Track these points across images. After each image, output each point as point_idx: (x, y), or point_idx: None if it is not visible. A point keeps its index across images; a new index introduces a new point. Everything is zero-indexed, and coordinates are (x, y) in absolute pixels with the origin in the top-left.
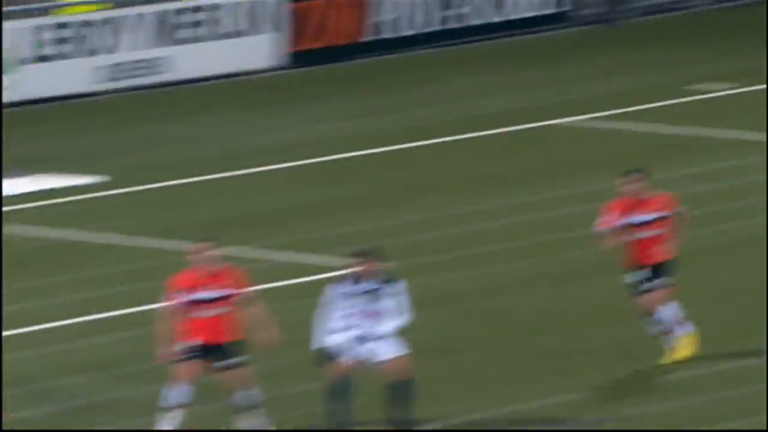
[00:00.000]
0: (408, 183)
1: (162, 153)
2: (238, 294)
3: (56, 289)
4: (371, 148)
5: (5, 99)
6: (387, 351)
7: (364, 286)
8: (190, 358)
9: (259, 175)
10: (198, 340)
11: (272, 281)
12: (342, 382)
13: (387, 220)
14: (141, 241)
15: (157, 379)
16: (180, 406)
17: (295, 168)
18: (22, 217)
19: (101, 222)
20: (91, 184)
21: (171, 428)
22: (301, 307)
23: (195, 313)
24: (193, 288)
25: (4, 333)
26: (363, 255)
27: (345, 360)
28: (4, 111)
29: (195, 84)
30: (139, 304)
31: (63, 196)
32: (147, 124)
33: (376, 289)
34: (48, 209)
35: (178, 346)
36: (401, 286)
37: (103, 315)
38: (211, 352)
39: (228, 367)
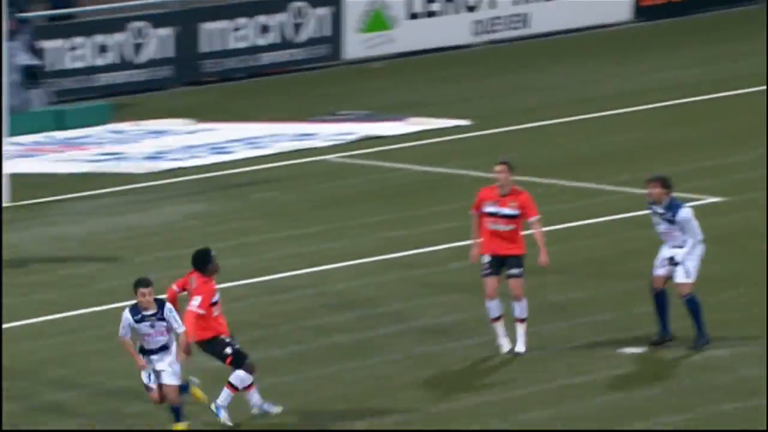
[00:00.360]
0: (746, 125)
1: (521, 99)
2: (525, 214)
3: (427, 219)
4: (714, 92)
5: (393, 51)
6: (678, 274)
7: (656, 208)
8: (489, 274)
9: (610, 117)
10: (492, 252)
11: (624, 212)
12: (658, 295)
13: (730, 157)
14: None
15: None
16: (495, 319)
17: (642, 111)
18: (398, 155)
19: (465, 160)
20: (457, 127)
21: (501, 338)
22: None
23: (490, 226)
24: (490, 203)
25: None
26: (654, 181)
27: (658, 274)
28: (392, 61)
29: (552, 37)
30: None
31: (433, 137)
32: (509, 73)
33: (662, 214)
34: (419, 149)
35: (483, 258)
36: (686, 212)
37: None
38: (501, 263)
39: (511, 276)
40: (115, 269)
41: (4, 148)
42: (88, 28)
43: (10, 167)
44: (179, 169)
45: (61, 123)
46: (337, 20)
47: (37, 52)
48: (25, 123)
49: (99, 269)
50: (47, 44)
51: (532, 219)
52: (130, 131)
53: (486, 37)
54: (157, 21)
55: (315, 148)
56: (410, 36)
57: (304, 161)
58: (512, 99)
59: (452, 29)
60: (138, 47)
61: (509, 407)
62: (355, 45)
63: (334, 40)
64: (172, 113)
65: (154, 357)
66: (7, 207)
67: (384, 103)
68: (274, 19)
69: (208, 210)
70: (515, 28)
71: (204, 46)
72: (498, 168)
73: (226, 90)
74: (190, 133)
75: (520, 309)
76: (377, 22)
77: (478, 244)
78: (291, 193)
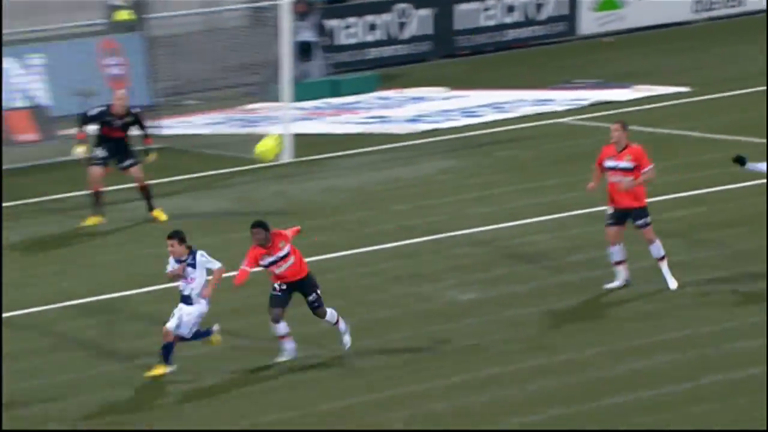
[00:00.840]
0: None
1: (735, 68)
2: (639, 166)
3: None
4: None
5: (622, 27)
6: None
7: None
8: (611, 224)
9: None
10: (616, 205)
11: None
12: None
13: None
14: (715, 137)
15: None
16: (617, 263)
17: None
18: (625, 118)
19: (684, 122)
20: (677, 93)
21: (619, 278)
22: None
23: (611, 178)
24: (609, 158)
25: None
26: None
27: None
28: (621, 36)
29: (764, 14)
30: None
31: (656, 102)
32: (725, 46)
33: None
34: (644, 112)
35: (607, 210)
36: None
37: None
38: (624, 215)
39: (638, 227)
40: (379, 216)
41: (291, 112)
42: (360, 10)
43: (294, 128)
44: (435, 130)
45: (336, 91)
46: (573, 1)
47: (324, 31)
48: (306, 91)
49: (365, 216)
50: (326, 23)
51: (646, 169)
52: (394, 98)
53: (705, 15)
54: (419, 3)
55: (552, 112)
56: (638, 14)
57: (542, 123)
58: (727, 68)
59: (675, 8)
60: (402, 25)
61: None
62: (589, 22)
63: (570, 18)
64: (430, 82)
65: (181, 304)
66: (290, 162)
67: (613, 72)
68: (518, 0)
69: (458, 165)
70: (732, 6)
71: (458, 24)
72: (613, 127)
73: (476, 62)
74: (445, 99)
75: (656, 250)
76: (609, 2)
77: (591, 187)
78: (530, 150)
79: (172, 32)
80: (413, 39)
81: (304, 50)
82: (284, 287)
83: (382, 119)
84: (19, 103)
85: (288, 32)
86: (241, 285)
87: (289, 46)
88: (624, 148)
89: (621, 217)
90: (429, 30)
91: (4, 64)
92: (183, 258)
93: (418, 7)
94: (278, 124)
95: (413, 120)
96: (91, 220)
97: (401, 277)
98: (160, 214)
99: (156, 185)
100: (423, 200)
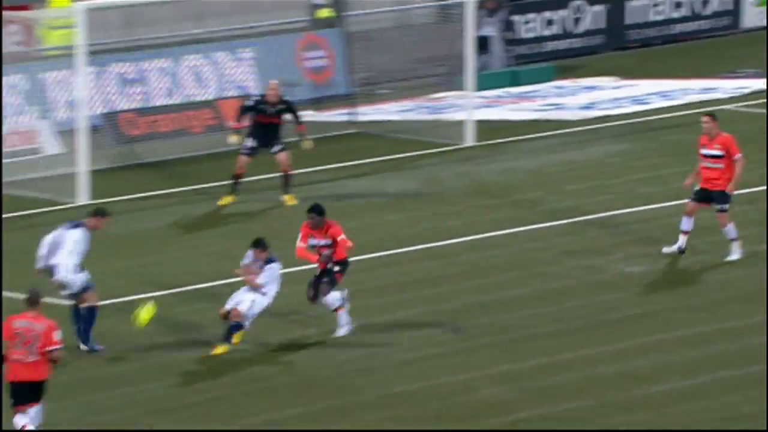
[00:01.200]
0: None
1: None
2: (729, 154)
3: None
4: None
5: None
6: None
7: None
8: (693, 199)
9: None
10: (702, 185)
11: None
12: None
13: None
14: None
15: None
16: (684, 232)
17: None
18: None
19: None
20: None
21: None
22: None
23: (703, 164)
24: (703, 146)
25: None
26: None
27: None
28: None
29: None
30: None
31: None
32: None
33: None
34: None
35: (694, 186)
36: None
37: None
38: (707, 195)
39: (716, 210)
40: (554, 195)
41: (474, 100)
42: (539, 6)
43: (477, 115)
44: (606, 116)
45: (515, 81)
46: None
47: (510, 26)
48: (488, 81)
49: (541, 195)
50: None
51: (735, 157)
52: (569, 87)
53: None
54: (592, 0)
55: (717, 99)
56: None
57: (706, 110)
58: None
59: None
60: (577, 21)
61: None
62: (752, 16)
63: (734, 12)
64: (602, 72)
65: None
66: (473, 146)
67: None
68: None
69: (628, 149)
70: None
71: (629, 19)
72: (704, 119)
73: (645, 54)
74: (615, 88)
75: (730, 232)
76: None
77: (692, 176)
78: (694, 135)
79: (367, 28)
80: (587, 33)
81: (482, 44)
82: (318, 273)
83: (557, 106)
84: (231, 93)
85: (472, 27)
86: (300, 258)
87: (473, 40)
88: (715, 138)
89: (704, 197)
90: (602, 24)
91: (218, 57)
92: (261, 261)
93: (592, 3)
94: (462, 110)
95: (586, 107)
96: (225, 200)
97: (573, 252)
98: (290, 199)
99: (349, 167)
100: (594, 181)
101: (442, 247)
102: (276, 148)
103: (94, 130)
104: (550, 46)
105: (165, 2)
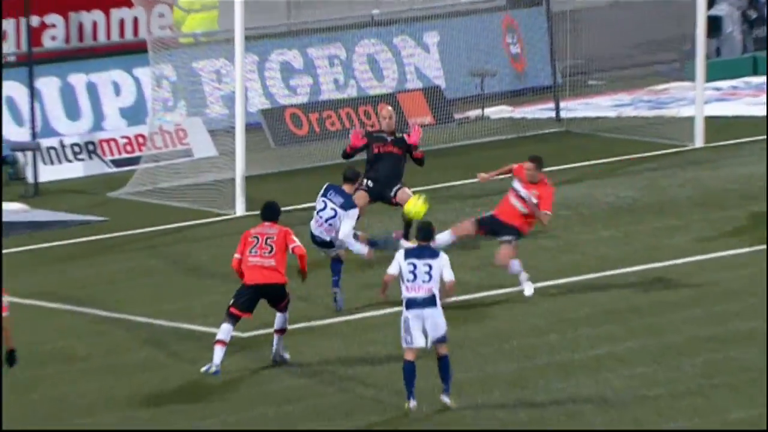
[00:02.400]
0: None
1: None
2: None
3: None
4: None
5: None
6: None
7: None
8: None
9: None
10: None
11: None
12: None
13: None
14: None
15: None
16: None
17: None
18: None
19: None
20: None
21: None
22: None
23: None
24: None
25: None
26: None
27: None
28: None
29: None
30: None
31: None
32: None
33: None
34: None
35: None
36: None
37: None
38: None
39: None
40: None
41: (704, 92)
42: None
43: (708, 110)
44: None
45: (755, 69)
46: None
47: (754, 3)
48: (723, 69)
49: None
50: None
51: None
52: None
53: None
54: None
55: None
56: None
57: None
58: None
59: None
60: None
61: None
62: None
63: None
64: None
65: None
66: (701, 148)
67: None
68: None
69: None
70: None
71: None
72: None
73: None
74: None
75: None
76: None
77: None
78: None
79: (574, 6)
80: None
81: (716, 25)
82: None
83: None
84: (412, 84)
85: (703, 5)
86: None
87: (704, 20)
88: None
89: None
90: None
91: (398, 43)
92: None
93: None
94: (690, 105)
95: None
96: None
97: None
98: None
99: (553, 173)
100: None
101: (664, 269)
102: None
103: (253, 128)
104: None
105: None
